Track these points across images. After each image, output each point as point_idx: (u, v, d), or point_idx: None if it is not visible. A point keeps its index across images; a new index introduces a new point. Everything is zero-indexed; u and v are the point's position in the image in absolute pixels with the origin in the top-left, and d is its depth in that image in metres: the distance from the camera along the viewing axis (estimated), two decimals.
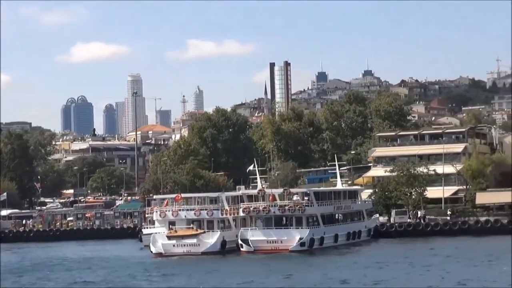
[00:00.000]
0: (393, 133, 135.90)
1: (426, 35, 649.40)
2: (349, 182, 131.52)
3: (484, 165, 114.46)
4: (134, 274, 68.42)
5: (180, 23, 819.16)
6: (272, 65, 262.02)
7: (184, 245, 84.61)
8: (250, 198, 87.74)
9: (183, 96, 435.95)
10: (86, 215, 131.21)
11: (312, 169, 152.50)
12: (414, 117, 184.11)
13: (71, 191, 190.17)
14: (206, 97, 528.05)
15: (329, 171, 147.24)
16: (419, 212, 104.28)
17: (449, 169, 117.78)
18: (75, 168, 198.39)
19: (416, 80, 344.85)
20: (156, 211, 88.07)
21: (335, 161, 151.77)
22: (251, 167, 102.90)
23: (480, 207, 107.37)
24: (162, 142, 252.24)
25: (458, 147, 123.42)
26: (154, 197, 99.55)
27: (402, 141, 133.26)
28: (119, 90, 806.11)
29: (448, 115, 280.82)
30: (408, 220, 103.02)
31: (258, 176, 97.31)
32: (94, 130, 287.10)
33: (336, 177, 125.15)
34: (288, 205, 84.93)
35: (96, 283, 63.41)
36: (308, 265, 72.84)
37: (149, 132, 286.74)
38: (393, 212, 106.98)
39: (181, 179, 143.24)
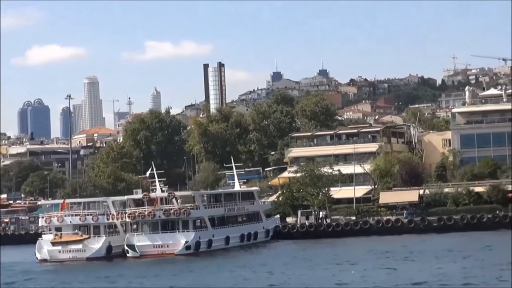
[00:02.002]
0: (309, 133, 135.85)
1: (383, 34, 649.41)
2: (269, 184, 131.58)
3: (391, 165, 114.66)
4: None
5: (137, 24, 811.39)
6: (206, 66, 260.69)
7: (70, 251, 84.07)
8: (136, 202, 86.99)
9: (129, 98, 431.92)
10: (2, 220, 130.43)
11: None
12: (340, 116, 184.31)
13: (5, 195, 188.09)
14: (163, 99, 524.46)
15: (252, 172, 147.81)
16: (321, 213, 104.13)
17: (361, 168, 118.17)
18: (11, 173, 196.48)
19: (365, 79, 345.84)
20: (42, 217, 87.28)
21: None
22: (149, 171, 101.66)
23: (383, 206, 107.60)
24: (103, 145, 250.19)
25: (372, 147, 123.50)
26: (39, 203, 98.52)
27: (320, 141, 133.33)
28: (76, 92, 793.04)
29: (394, 113, 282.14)
30: (306, 222, 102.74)
31: (156, 180, 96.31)
32: (32, 133, 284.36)
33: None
34: (173, 209, 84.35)
35: None
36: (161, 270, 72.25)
37: (95, 135, 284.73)
38: (299, 213, 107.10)
39: (101, 182, 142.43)
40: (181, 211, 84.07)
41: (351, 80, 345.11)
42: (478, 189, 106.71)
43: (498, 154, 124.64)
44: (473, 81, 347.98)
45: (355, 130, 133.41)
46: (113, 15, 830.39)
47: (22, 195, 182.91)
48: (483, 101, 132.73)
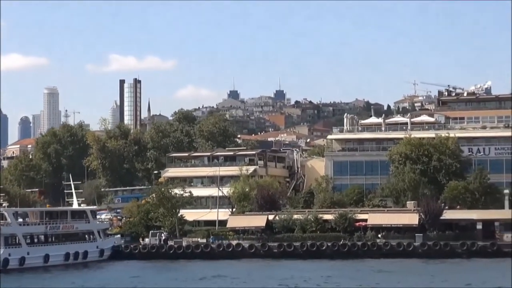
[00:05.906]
0: (186, 154, 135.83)
1: (342, 58, 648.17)
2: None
3: (250, 189, 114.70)
4: None
5: (102, 37, 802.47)
6: (122, 82, 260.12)
7: None
8: None
9: (66, 110, 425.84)
10: None
11: (123, 188, 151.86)
12: (239, 138, 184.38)
13: None
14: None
15: (143, 190, 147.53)
16: (163, 235, 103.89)
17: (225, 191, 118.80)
18: None
19: (310, 102, 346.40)
20: None
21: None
22: None
23: (231, 230, 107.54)
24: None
25: (233, 170, 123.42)
26: None
27: (197, 163, 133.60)
28: (36, 102, 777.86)
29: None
30: (143, 242, 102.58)
31: None
32: None
33: None
34: None
35: None
36: None
37: (29, 146, 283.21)
38: (150, 233, 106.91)
39: None
40: None
41: (296, 102, 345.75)
42: (327, 216, 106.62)
43: (370, 182, 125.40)
44: (418, 108, 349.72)
45: (232, 153, 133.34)
46: (79, 25, 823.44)
47: None
48: (360, 129, 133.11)
